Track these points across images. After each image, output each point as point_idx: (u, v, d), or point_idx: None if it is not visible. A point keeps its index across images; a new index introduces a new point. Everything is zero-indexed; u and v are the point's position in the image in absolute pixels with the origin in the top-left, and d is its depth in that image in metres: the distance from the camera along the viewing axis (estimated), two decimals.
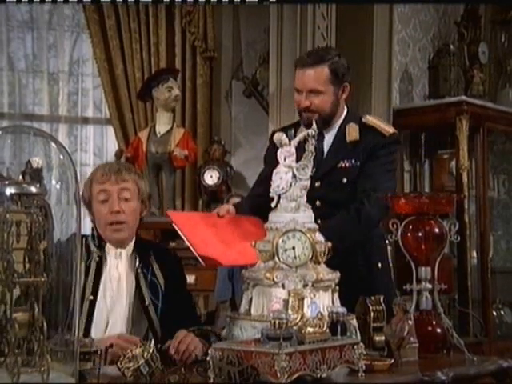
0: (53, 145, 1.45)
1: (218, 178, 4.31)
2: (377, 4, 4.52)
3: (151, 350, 1.76)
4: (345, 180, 2.66)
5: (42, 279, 1.38)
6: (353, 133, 2.70)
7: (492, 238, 5.16)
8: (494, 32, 5.07)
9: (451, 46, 4.67)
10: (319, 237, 2.22)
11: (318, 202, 2.60)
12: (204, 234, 2.48)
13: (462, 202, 4.35)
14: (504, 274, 5.04)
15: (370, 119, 2.77)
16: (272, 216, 2.15)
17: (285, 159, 2.20)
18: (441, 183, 4.72)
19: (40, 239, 1.42)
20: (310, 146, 2.22)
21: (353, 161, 2.66)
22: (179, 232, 2.48)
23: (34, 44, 4.88)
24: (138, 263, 2.39)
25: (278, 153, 2.20)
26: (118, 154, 4.32)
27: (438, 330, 2.28)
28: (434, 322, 2.30)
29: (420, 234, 2.30)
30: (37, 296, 1.40)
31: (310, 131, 2.25)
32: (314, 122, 2.33)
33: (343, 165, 2.67)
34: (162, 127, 4.28)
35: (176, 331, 2.25)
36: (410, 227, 2.31)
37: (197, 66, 4.75)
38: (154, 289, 2.38)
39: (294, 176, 2.17)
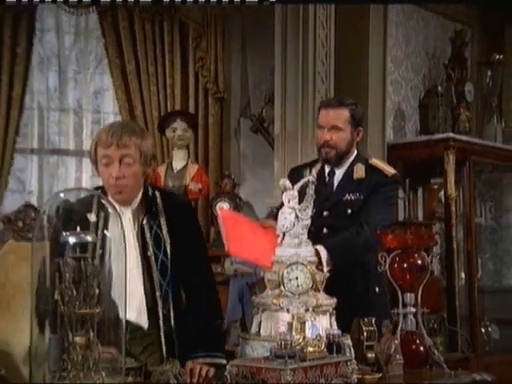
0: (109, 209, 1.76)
1: (229, 209, 4.48)
2: (373, 4, 4.62)
3: (178, 367, 2.04)
4: (349, 211, 2.91)
5: (97, 310, 1.68)
6: (360, 172, 2.97)
7: (480, 260, 5.31)
8: (480, 72, 5.26)
9: (439, 87, 4.90)
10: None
11: (325, 230, 2.90)
12: (242, 236, 2.64)
13: (451, 229, 4.56)
14: (492, 294, 5.17)
15: (375, 161, 3.07)
16: (278, 250, 2.39)
17: (289, 201, 2.44)
18: (432, 210, 4.91)
19: (93, 278, 1.72)
20: (311, 191, 2.48)
21: (357, 195, 2.92)
22: (222, 227, 2.64)
23: (60, 85, 5.03)
24: (142, 216, 2.40)
25: (283, 196, 2.47)
26: None
27: (421, 348, 2.47)
28: (417, 341, 2.47)
29: (405, 265, 2.51)
30: (92, 323, 1.70)
31: (311, 178, 2.52)
32: (314, 172, 2.64)
33: (349, 198, 2.93)
34: (178, 163, 4.49)
35: (183, 283, 2.39)
36: (397, 259, 2.52)
37: (208, 106, 4.97)
38: (157, 240, 2.39)
39: (297, 216, 2.41)
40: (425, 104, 4.92)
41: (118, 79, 4.89)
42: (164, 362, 2.22)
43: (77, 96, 5.09)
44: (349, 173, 2.99)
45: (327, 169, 3.02)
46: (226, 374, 2.07)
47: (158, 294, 2.36)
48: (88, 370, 1.66)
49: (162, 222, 2.42)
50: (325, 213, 2.92)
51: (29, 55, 4.64)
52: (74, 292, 1.67)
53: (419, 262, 2.52)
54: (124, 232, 1.87)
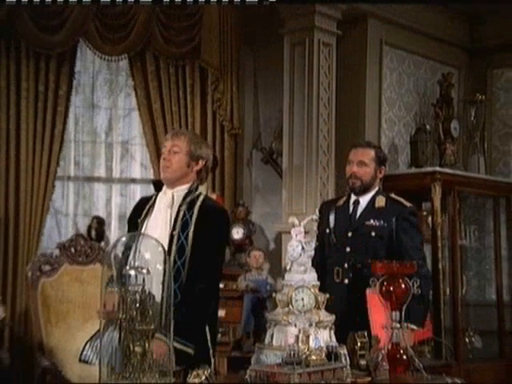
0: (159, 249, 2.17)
1: (243, 234, 4.76)
2: (374, 3, 4.92)
3: (209, 370, 2.44)
4: (373, 234, 3.34)
5: (152, 327, 2.10)
6: (380, 202, 3.42)
7: (465, 277, 5.59)
8: (465, 110, 5.58)
9: (427, 126, 5.24)
10: None
11: (348, 248, 3.34)
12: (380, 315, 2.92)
13: (437, 251, 4.90)
14: (476, 307, 5.51)
15: (394, 196, 3.53)
16: (287, 276, 2.69)
17: (296, 235, 2.76)
18: (422, 234, 5.28)
19: (148, 301, 2.14)
20: (314, 227, 2.90)
21: (381, 222, 3.34)
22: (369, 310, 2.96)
23: (94, 121, 5.34)
24: (181, 202, 2.83)
25: (292, 231, 2.83)
26: None
27: (404, 357, 2.80)
28: (401, 351, 2.80)
29: (391, 289, 2.84)
30: (147, 337, 2.12)
31: (314, 217, 2.91)
32: (317, 211, 3.05)
33: (372, 223, 3.35)
34: None
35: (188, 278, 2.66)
36: (385, 283, 2.86)
37: (224, 141, 5.19)
38: (185, 225, 2.79)
39: (303, 248, 2.71)
40: (415, 140, 5.24)
41: (145, 116, 5.10)
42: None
43: (108, 130, 5.36)
44: (371, 203, 3.41)
45: (353, 198, 3.45)
46: (246, 377, 2.43)
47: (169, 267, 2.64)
48: (144, 372, 2.08)
49: (195, 214, 2.81)
50: (349, 234, 3.36)
51: (69, 96, 4.94)
52: (134, 313, 2.10)
53: (403, 286, 2.85)
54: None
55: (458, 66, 5.81)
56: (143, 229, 2.85)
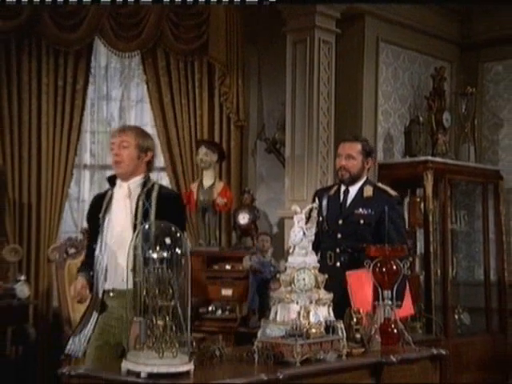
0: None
1: (249, 219, 4.87)
2: (373, 3, 5.04)
3: (221, 341, 2.67)
4: (362, 221, 3.55)
5: (172, 303, 2.33)
6: (368, 192, 3.62)
7: (456, 258, 5.80)
8: (457, 102, 5.74)
9: (421, 118, 5.39)
10: None
11: (339, 235, 3.56)
12: (364, 292, 3.14)
13: (428, 234, 5.09)
14: (465, 286, 5.71)
15: (381, 185, 3.74)
16: (290, 258, 2.88)
17: (298, 222, 2.94)
18: (415, 219, 5.28)
19: (168, 281, 2.36)
20: (314, 214, 3.05)
21: (369, 210, 3.55)
22: (350, 289, 3.16)
23: (108, 113, 5.50)
24: (139, 193, 2.95)
25: (294, 218, 2.97)
26: None
27: (395, 331, 3.03)
28: (392, 326, 3.04)
29: (384, 270, 3.08)
30: (167, 312, 2.34)
31: (314, 205, 3.08)
32: (317, 200, 3.26)
33: (360, 212, 3.56)
34: (207, 181, 4.85)
35: None
36: (378, 265, 3.10)
37: (231, 132, 5.32)
38: (146, 214, 2.91)
39: (304, 233, 2.90)
40: (409, 131, 5.40)
41: (156, 109, 5.25)
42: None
43: (121, 122, 5.48)
44: (360, 192, 3.61)
45: (343, 188, 3.65)
46: (253, 347, 2.63)
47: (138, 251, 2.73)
48: (165, 343, 2.31)
49: (153, 202, 2.93)
50: (340, 221, 3.57)
51: (85, 90, 5.11)
52: (156, 291, 2.32)
53: (394, 267, 3.09)
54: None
55: (450, 61, 5.94)
56: (106, 222, 2.98)
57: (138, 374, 2.31)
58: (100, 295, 3.00)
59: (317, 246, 3.19)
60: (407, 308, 3.36)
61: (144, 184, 3.02)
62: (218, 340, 2.67)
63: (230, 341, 4.06)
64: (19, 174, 4.93)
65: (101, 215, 2.99)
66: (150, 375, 2.29)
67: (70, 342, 3.04)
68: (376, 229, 3.51)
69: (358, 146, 3.61)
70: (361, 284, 3.21)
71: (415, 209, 5.33)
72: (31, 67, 4.92)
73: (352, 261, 3.49)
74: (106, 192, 3.11)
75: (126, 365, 2.37)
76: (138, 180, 3.02)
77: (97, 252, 3.00)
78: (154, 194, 2.97)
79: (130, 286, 2.56)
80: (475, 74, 5.96)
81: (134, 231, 2.77)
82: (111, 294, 2.97)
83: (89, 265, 3.06)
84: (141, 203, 2.94)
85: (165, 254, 2.35)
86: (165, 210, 2.92)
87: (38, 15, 4.73)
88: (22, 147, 4.93)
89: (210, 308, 4.67)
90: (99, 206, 3.05)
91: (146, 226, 2.43)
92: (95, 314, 3.02)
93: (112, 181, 3.10)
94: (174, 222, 2.71)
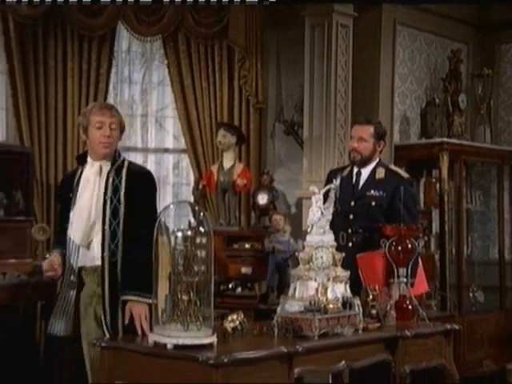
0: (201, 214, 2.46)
1: (267, 199, 4.93)
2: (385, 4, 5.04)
3: (242, 316, 2.75)
4: (373, 203, 3.59)
5: (196, 279, 2.42)
6: (380, 174, 3.65)
7: (471, 238, 5.83)
8: (473, 83, 5.74)
9: (437, 99, 5.40)
10: None
11: (351, 216, 3.60)
12: (374, 270, 3.21)
13: (444, 215, 5.15)
14: (480, 265, 5.75)
15: (393, 167, 3.78)
16: (308, 237, 2.96)
17: (316, 202, 3.02)
18: (431, 199, 5.34)
19: (192, 258, 2.45)
20: (332, 195, 3.09)
21: (381, 192, 3.59)
22: (360, 269, 3.21)
23: (130, 96, 5.54)
24: (109, 170, 2.90)
25: (312, 198, 3.04)
26: (197, 182, 5.08)
27: (410, 307, 3.12)
28: (407, 302, 3.13)
29: (399, 249, 3.16)
30: (192, 287, 2.43)
31: (332, 185, 3.15)
32: (335, 181, 3.31)
33: (372, 193, 3.60)
34: (227, 163, 4.89)
35: (129, 228, 2.79)
36: (394, 244, 3.18)
37: (250, 114, 5.35)
38: (116, 190, 2.87)
39: (322, 213, 2.98)
40: (425, 112, 5.42)
41: (177, 92, 5.31)
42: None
43: (144, 104, 5.57)
44: (372, 174, 3.65)
45: (355, 170, 3.69)
46: (273, 322, 2.73)
47: (106, 227, 2.83)
48: (190, 317, 2.41)
49: (123, 178, 2.90)
50: (352, 203, 3.61)
51: (109, 74, 5.20)
52: (181, 268, 2.42)
53: (409, 246, 3.17)
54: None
55: (466, 42, 5.90)
56: (76, 199, 2.93)
57: (164, 346, 2.41)
58: (75, 273, 2.94)
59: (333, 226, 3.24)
60: (422, 285, 3.42)
61: (114, 161, 2.97)
62: (239, 314, 2.75)
63: (249, 317, 4.12)
64: (46, 156, 5.03)
65: (71, 194, 2.95)
66: (176, 346, 2.39)
67: (52, 321, 2.96)
68: (387, 210, 3.55)
69: (371, 129, 3.64)
70: (372, 266, 3.26)
71: (431, 189, 5.36)
72: (57, 52, 5.02)
73: (364, 241, 3.54)
74: (75, 171, 3.06)
75: (152, 337, 2.48)
76: (109, 158, 2.97)
77: (69, 230, 2.95)
78: (124, 171, 2.95)
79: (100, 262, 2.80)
80: (492, 55, 5.92)
81: (105, 205, 2.86)
82: (85, 272, 2.94)
83: (60, 243, 3.01)
84: (111, 179, 2.91)
85: (189, 233, 2.43)
86: (134, 187, 2.91)
87: (64, 2, 4.80)
88: (48, 130, 5.03)
89: (230, 285, 4.75)
90: (70, 185, 2.99)
91: (171, 206, 2.51)
92: (73, 292, 2.94)
93: (82, 159, 3.02)
94: (143, 198, 2.89)
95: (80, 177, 2.98)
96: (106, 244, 2.86)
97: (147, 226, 2.65)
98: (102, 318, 2.82)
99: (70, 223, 2.95)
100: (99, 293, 2.85)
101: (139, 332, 2.75)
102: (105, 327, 2.80)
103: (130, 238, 2.86)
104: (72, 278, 2.92)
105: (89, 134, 2.94)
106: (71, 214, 2.94)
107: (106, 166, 2.95)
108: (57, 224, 3.33)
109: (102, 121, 2.91)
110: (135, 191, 2.91)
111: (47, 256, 3.10)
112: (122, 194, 2.88)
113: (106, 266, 2.85)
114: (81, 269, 2.94)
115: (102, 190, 2.90)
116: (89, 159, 2.99)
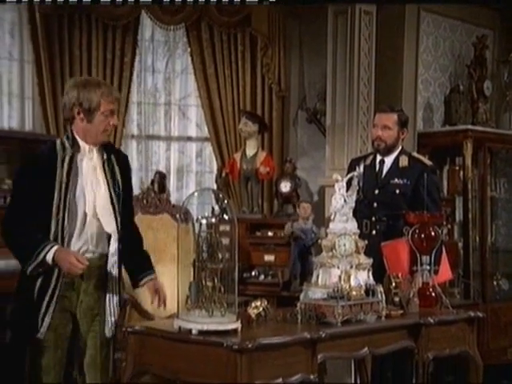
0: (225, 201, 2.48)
1: (290, 187, 4.98)
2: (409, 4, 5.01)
3: (266, 302, 2.77)
4: (397, 191, 3.58)
5: (220, 266, 2.44)
6: (404, 162, 3.64)
7: (495, 225, 5.80)
8: (498, 70, 5.68)
9: (461, 86, 5.35)
10: None
11: (375, 204, 3.60)
12: (399, 258, 3.23)
13: (467, 202, 5.12)
14: (504, 253, 5.66)
15: (416, 154, 3.76)
16: (331, 225, 2.96)
17: (339, 190, 3.02)
18: (454, 186, 5.35)
19: (216, 245, 2.47)
20: (355, 182, 3.10)
21: (405, 180, 3.58)
22: (385, 258, 3.23)
23: (153, 85, 5.56)
24: (105, 158, 2.66)
25: (335, 186, 3.04)
26: (220, 170, 5.13)
27: (433, 294, 3.10)
28: (430, 289, 3.11)
29: (422, 236, 3.13)
30: (216, 274, 2.46)
31: (355, 173, 3.16)
32: (358, 168, 3.31)
33: (396, 182, 3.59)
34: (250, 151, 4.96)
35: (126, 213, 2.65)
36: (417, 231, 3.16)
37: (272, 102, 5.38)
38: (114, 176, 2.67)
39: (345, 200, 2.98)
40: (449, 100, 5.38)
41: (200, 80, 5.35)
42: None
43: (167, 93, 5.59)
44: (395, 162, 3.64)
45: (378, 158, 3.68)
46: (297, 308, 2.74)
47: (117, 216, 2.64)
48: (214, 303, 2.43)
49: (115, 163, 2.70)
50: (376, 191, 3.61)
51: (132, 63, 5.23)
52: (205, 255, 2.44)
53: (433, 233, 3.15)
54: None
55: (492, 28, 5.83)
56: (85, 187, 2.61)
57: (189, 331, 2.44)
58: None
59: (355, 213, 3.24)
60: (446, 272, 3.41)
61: (104, 146, 2.73)
62: (263, 301, 2.77)
63: (272, 304, 4.13)
64: None
65: (63, 180, 2.56)
66: (201, 332, 2.42)
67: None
68: (411, 198, 3.54)
69: (394, 117, 3.62)
70: (396, 254, 3.26)
71: (454, 177, 5.35)
72: (82, 42, 5.06)
73: (387, 228, 3.54)
74: (53, 154, 2.60)
75: (177, 322, 2.51)
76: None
77: (65, 223, 2.57)
78: (113, 156, 2.72)
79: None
80: None
81: (112, 197, 2.65)
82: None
83: (46, 237, 2.57)
84: (110, 166, 2.70)
85: (213, 220, 2.46)
86: (125, 171, 2.76)
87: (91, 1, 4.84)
88: None
89: (253, 273, 4.80)
90: (50, 171, 2.56)
91: (195, 194, 2.53)
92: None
93: (73, 143, 2.63)
94: (130, 181, 2.78)
95: (71, 162, 2.59)
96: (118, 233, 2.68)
97: (132, 207, 2.72)
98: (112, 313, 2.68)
99: (64, 213, 2.55)
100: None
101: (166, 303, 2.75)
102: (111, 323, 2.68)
103: (129, 221, 2.77)
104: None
105: (93, 118, 2.60)
106: (69, 204, 2.56)
107: (102, 152, 2.69)
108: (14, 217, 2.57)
109: (113, 109, 2.64)
110: (126, 175, 2.76)
111: (45, 252, 2.54)
112: (119, 179, 2.70)
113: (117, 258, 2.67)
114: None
115: (106, 178, 2.67)
116: (82, 143, 2.63)
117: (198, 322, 2.42)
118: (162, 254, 3.45)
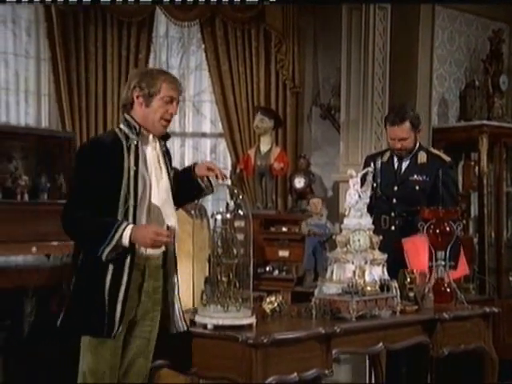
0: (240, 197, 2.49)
1: (304, 183, 4.98)
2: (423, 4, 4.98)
3: (281, 298, 2.79)
4: (417, 188, 3.58)
5: (235, 261, 2.45)
6: (422, 158, 3.63)
7: (510, 221, 5.72)
8: None
9: (476, 81, 5.30)
10: None
11: (394, 200, 3.60)
12: (419, 254, 3.24)
13: (483, 198, 5.09)
14: None
15: (434, 150, 3.76)
16: (346, 220, 2.96)
17: (354, 185, 3.02)
18: (470, 182, 5.28)
19: (232, 241, 2.48)
20: (369, 178, 3.08)
21: (424, 177, 3.58)
22: (406, 255, 3.24)
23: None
24: (164, 149, 2.56)
25: (350, 181, 3.03)
26: (234, 166, 5.15)
27: (448, 290, 3.11)
28: (445, 285, 3.12)
29: (437, 231, 3.14)
30: (231, 269, 2.47)
31: (370, 169, 3.13)
32: (373, 164, 3.31)
33: (416, 178, 3.59)
34: (264, 147, 4.97)
35: None
36: (432, 227, 3.16)
37: (287, 98, 5.37)
38: (169, 173, 2.57)
39: (359, 196, 2.98)
40: (464, 95, 5.34)
41: (214, 76, 5.35)
42: None
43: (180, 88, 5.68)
44: (414, 159, 3.63)
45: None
46: (311, 304, 2.75)
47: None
48: (229, 298, 2.45)
49: (165, 155, 2.59)
50: (395, 187, 3.61)
51: (147, 59, 5.25)
52: (220, 250, 2.45)
53: (447, 229, 3.15)
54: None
55: (508, 22, 5.76)
56: (152, 178, 2.48)
57: (204, 326, 2.46)
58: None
59: (370, 209, 3.24)
60: (463, 268, 3.40)
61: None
62: (277, 296, 2.78)
63: (286, 300, 4.15)
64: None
65: (131, 167, 2.40)
66: (216, 327, 2.43)
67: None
68: (430, 193, 3.54)
69: (407, 125, 3.56)
70: (416, 249, 3.27)
71: (469, 172, 5.31)
72: (97, 38, 5.10)
73: (406, 224, 3.53)
74: (116, 140, 2.45)
75: (192, 317, 2.53)
76: None
77: (136, 212, 2.41)
78: (163, 145, 2.60)
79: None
80: None
81: (172, 190, 2.55)
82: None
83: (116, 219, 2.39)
84: (166, 158, 2.60)
85: (228, 216, 2.47)
86: (170, 163, 2.64)
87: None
88: (89, 114, 5.11)
89: (267, 268, 4.81)
90: (117, 156, 2.41)
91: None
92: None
93: (139, 131, 2.46)
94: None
95: (137, 149, 2.43)
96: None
97: None
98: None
99: (135, 201, 2.40)
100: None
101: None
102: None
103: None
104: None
105: (152, 103, 2.44)
106: (139, 192, 2.41)
107: (161, 143, 2.56)
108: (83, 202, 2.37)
109: (174, 96, 2.47)
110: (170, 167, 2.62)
111: (120, 232, 2.32)
112: (170, 171, 2.57)
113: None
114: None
115: (167, 168, 2.56)
116: (145, 132, 2.47)
117: (214, 317, 2.44)
118: (177, 250, 3.46)
